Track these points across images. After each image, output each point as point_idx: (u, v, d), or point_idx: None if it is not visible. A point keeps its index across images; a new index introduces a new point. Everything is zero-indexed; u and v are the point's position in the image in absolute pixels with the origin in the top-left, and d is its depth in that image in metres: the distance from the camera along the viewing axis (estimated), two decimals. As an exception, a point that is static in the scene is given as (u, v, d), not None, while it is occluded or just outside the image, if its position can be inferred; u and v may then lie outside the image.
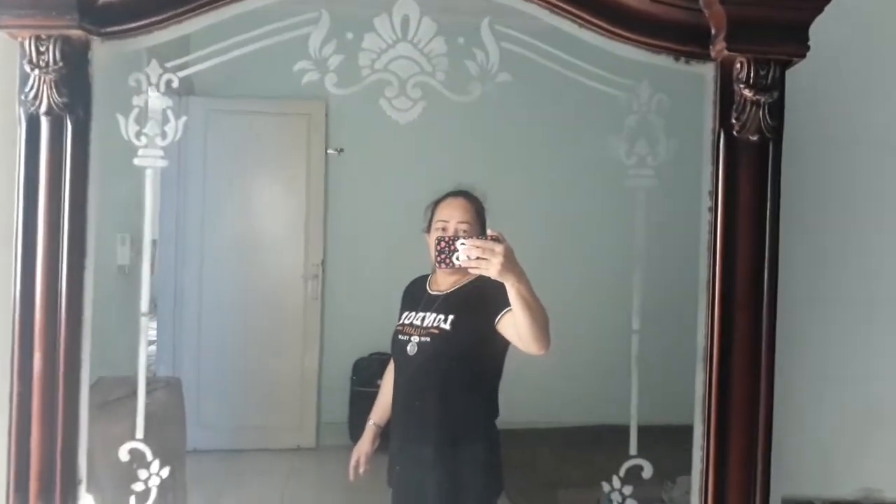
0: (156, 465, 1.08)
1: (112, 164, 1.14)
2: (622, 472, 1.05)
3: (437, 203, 1.87)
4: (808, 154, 1.14)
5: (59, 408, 1.09)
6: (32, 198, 1.09)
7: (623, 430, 1.16)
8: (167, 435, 1.68)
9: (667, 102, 1.12)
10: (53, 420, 1.09)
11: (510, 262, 1.43)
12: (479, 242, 1.39)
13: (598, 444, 1.25)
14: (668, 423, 1.17)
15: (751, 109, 1.08)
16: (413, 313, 1.85)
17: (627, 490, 1.05)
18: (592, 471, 1.19)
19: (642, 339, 1.10)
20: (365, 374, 3.32)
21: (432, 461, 1.82)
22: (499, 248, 1.40)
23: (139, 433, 1.10)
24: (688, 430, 1.11)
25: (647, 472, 1.03)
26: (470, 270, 1.42)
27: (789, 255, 1.09)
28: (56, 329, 1.08)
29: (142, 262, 1.16)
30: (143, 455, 1.08)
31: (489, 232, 1.43)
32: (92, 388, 1.76)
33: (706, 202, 1.08)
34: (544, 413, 3.19)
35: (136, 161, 1.15)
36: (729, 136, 1.09)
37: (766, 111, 1.08)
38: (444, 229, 1.78)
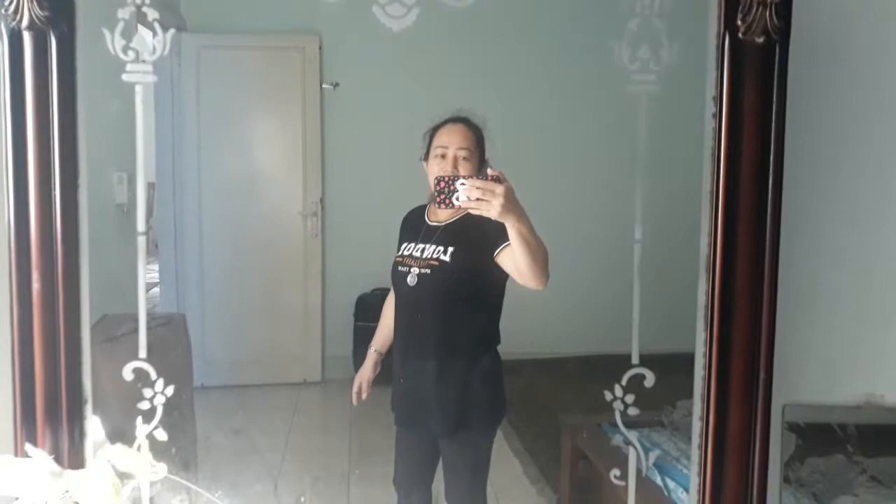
0: (160, 383, 1.09)
1: (100, 82, 1.11)
2: (624, 381, 1.05)
3: (435, 129, 1.83)
4: (817, 56, 1.10)
5: (61, 328, 1.09)
6: (20, 116, 1.06)
7: (624, 359, 1.16)
8: (171, 362, 1.69)
9: (669, 4, 1.08)
10: (55, 341, 1.09)
11: (511, 203, 1.41)
12: (479, 183, 1.37)
13: (599, 373, 1.25)
14: (670, 350, 1.17)
15: (757, 9, 1.04)
16: (412, 244, 1.84)
17: (629, 398, 1.05)
18: (593, 397, 1.20)
19: (644, 249, 1.09)
20: (367, 310, 3.34)
21: (434, 381, 1.84)
22: (499, 188, 1.38)
23: (142, 353, 1.10)
24: (688, 358, 1.11)
25: (650, 380, 1.03)
26: (470, 211, 1.41)
27: (795, 160, 1.07)
28: (53, 249, 1.07)
29: (136, 178, 1.14)
30: (147, 374, 1.09)
31: (489, 171, 1.41)
32: (96, 325, 1.77)
33: (710, 108, 1.06)
34: (545, 343, 3.22)
35: (124, 77, 1.12)
36: (734, 39, 1.05)
37: (773, 11, 1.04)
38: (443, 156, 1.76)
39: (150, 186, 4.19)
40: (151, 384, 1.07)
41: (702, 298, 1.08)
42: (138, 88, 1.13)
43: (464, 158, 1.76)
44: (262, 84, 3.52)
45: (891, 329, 1.10)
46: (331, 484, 2.34)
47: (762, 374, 1.05)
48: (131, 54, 1.11)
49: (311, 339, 3.46)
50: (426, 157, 1.83)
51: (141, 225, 1.10)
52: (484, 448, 1.92)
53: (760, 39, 1.05)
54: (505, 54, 2.71)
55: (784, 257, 1.07)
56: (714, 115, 1.06)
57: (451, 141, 1.77)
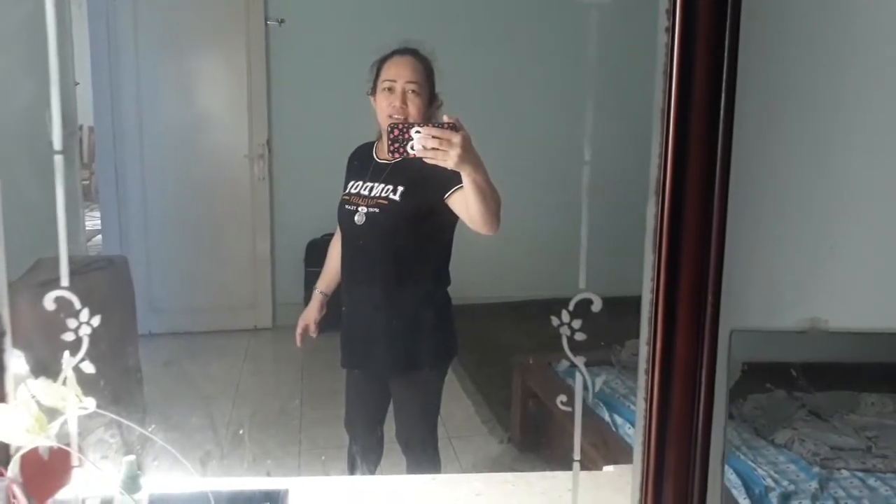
0: (85, 313, 1.03)
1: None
2: (571, 306, 1.02)
3: (382, 61, 1.75)
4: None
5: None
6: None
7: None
8: (105, 295, 1.62)
9: None
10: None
11: (467, 153, 1.36)
12: (435, 131, 1.32)
13: (552, 314, 1.22)
14: (619, 294, 1.15)
15: (712, -84, 0.99)
16: (360, 182, 1.78)
17: (577, 323, 1.03)
18: (545, 338, 1.17)
19: (593, 171, 1.06)
20: (318, 255, 3.28)
21: (382, 319, 1.81)
22: (456, 137, 1.33)
23: (64, 281, 1.04)
24: (637, 301, 1.09)
25: (597, 305, 1.01)
26: (425, 160, 1.35)
27: (749, 82, 1.04)
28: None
29: (49, 90, 1.05)
30: (70, 303, 1.02)
31: (445, 118, 1.35)
32: (31, 269, 1.68)
33: (663, 21, 1.02)
34: (498, 287, 3.22)
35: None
36: (688, -51, 1.01)
37: (729, -82, 1.00)
38: (390, 89, 1.69)
39: (89, 131, 4.02)
40: (75, 314, 1.01)
41: (651, 221, 1.05)
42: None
43: (413, 92, 1.69)
44: (203, 20, 3.35)
45: (836, 254, 1.10)
46: (283, 423, 2.32)
47: (710, 299, 1.04)
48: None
49: (260, 286, 3.39)
50: (373, 90, 1.75)
51: (56, 143, 1.02)
52: (434, 388, 1.91)
53: (715, -50, 1.00)
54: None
55: (733, 180, 1.05)
56: (667, 30, 1.02)
57: (400, 74, 1.70)
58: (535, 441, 2.45)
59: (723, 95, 1.03)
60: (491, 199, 1.50)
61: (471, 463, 2.37)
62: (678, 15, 1.00)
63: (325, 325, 2.40)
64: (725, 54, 1.01)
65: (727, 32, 1.01)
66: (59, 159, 1.02)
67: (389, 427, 1.97)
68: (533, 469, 1.84)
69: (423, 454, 1.91)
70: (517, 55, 2.64)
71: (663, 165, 1.03)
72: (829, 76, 1.10)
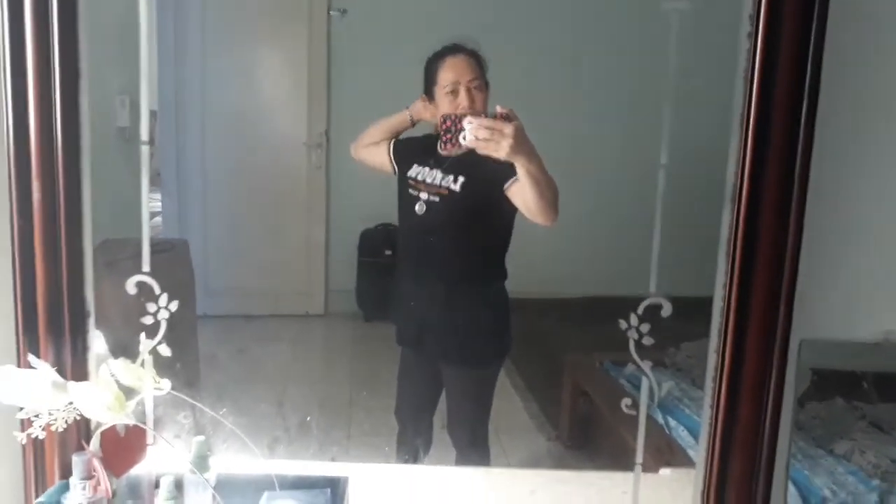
0: (164, 298, 1.06)
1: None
2: (640, 310, 1.02)
3: (436, 63, 1.75)
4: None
5: (62, 239, 1.05)
6: (18, 15, 1.01)
7: (629, 301, 1.13)
8: (176, 280, 1.67)
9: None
10: (57, 252, 1.06)
11: (520, 143, 1.36)
12: (487, 122, 1.31)
13: (605, 313, 1.23)
14: (681, 294, 1.14)
15: (802, -79, 0.97)
16: (426, 168, 1.79)
17: (645, 328, 1.02)
18: (596, 337, 1.17)
19: (668, 175, 1.05)
20: (371, 245, 3.32)
21: (440, 306, 1.82)
22: (508, 128, 1.33)
23: (146, 266, 1.07)
24: (695, 302, 1.08)
25: (667, 310, 1.00)
26: (477, 151, 1.35)
27: (831, 91, 1.02)
28: (53, 157, 1.03)
29: (140, 86, 1.09)
30: (150, 288, 1.06)
31: (498, 109, 1.35)
32: (97, 248, 1.75)
33: (745, 27, 1.00)
34: (552, 284, 3.20)
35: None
36: (775, -47, 0.99)
37: (819, -76, 0.97)
38: (453, 91, 1.69)
39: (153, 115, 4.10)
40: (155, 298, 1.04)
41: (725, 230, 1.04)
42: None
43: (476, 89, 1.69)
44: (268, 10, 3.41)
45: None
46: (333, 409, 2.35)
47: (782, 308, 1.02)
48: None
49: (314, 273, 3.44)
50: (429, 94, 1.76)
51: (144, 133, 1.05)
52: (488, 380, 1.92)
53: (802, -46, 0.98)
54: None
55: (811, 190, 1.03)
56: (749, 35, 1.00)
57: (460, 75, 1.70)
58: (583, 440, 2.44)
59: (804, 103, 1.01)
60: (547, 188, 1.49)
61: (518, 459, 2.38)
62: (762, 20, 0.99)
63: (378, 314, 2.43)
64: (809, 62, 1.00)
65: (812, 40, 1.00)
66: (145, 149, 1.06)
67: (440, 420, 1.98)
68: (579, 468, 1.83)
69: (473, 448, 1.92)
70: (595, 55, 2.61)
71: (741, 172, 1.02)
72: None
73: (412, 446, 2.00)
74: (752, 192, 1.01)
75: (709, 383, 1.02)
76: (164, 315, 1.06)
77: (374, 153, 1.92)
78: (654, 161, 1.04)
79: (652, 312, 1.05)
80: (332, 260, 3.46)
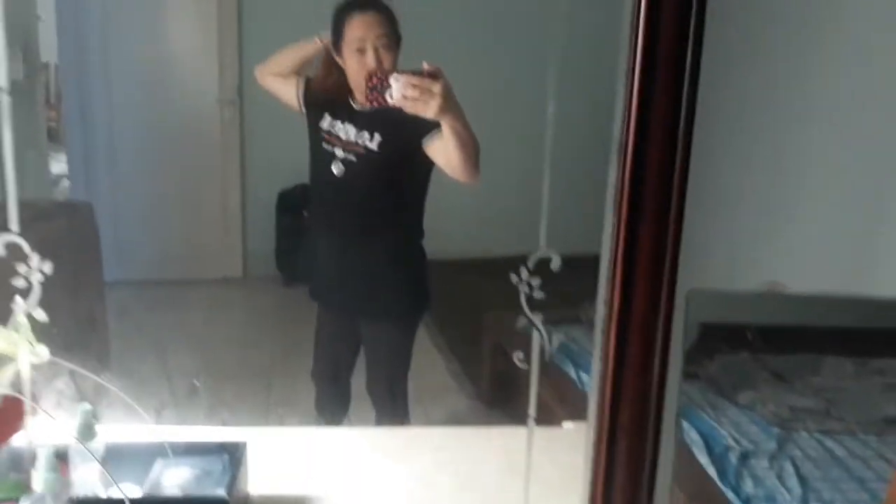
0: (36, 259, 1.00)
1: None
2: (530, 264, 1.02)
3: (343, 16, 1.66)
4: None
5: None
6: None
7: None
8: (70, 251, 1.59)
9: None
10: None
11: (448, 102, 1.33)
12: (415, 80, 1.28)
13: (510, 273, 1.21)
14: (594, 252, 1.14)
15: None
16: (339, 123, 1.73)
17: (535, 282, 1.02)
18: (515, 295, 1.17)
19: (557, 128, 1.04)
20: (290, 205, 3.23)
21: (355, 262, 1.79)
22: (437, 87, 1.29)
23: (13, 225, 1.01)
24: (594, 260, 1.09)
25: (556, 263, 1.00)
26: (405, 109, 1.32)
27: (715, 39, 1.02)
28: None
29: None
30: (19, 247, 1.00)
31: (425, 66, 1.30)
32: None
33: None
34: (473, 244, 3.21)
35: None
36: None
37: None
38: (360, 49, 1.62)
39: (55, 69, 3.88)
40: (25, 259, 0.98)
41: (612, 180, 1.04)
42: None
43: (384, 47, 1.63)
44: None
45: (793, 221, 1.10)
46: (253, 375, 2.31)
47: (668, 259, 1.03)
48: None
49: (231, 234, 3.35)
50: (337, 48, 1.68)
51: (1, 79, 0.98)
52: (406, 337, 1.89)
53: None
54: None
55: (696, 143, 1.03)
56: (635, -15, 0.99)
57: (368, 32, 1.61)
58: (504, 397, 2.48)
59: (689, 51, 1.01)
60: (471, 144, 1.47)
61: (440, 418, 2.40)
62: (649, -30, 0.97)
63: (295, 277, 2.35)
64: (693, 5, 0.99)
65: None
66: (4, 99, 0.98)
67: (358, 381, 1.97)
68: (501, 425, 1.85)
69: (392, 405, 1.91)
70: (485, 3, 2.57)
71: (626, 125, 1.01)
72: (795, 42, 1.09)
73: (329, 408, 1.98)
74: (637, 146, 1.01)
75: (598, 334, 1.03)
76: (37, 277, 1.00)
77: (282, 87, 1.83)
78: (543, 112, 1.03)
79: (544, 266, 1.04)
80: (249, 219, 3.38)
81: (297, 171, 2.53)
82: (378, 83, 1.29)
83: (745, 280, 1.12)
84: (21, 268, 0.99)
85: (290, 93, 1.80)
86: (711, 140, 1.03)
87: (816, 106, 1.06)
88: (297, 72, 1.81)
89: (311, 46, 1.78)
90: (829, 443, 1.62)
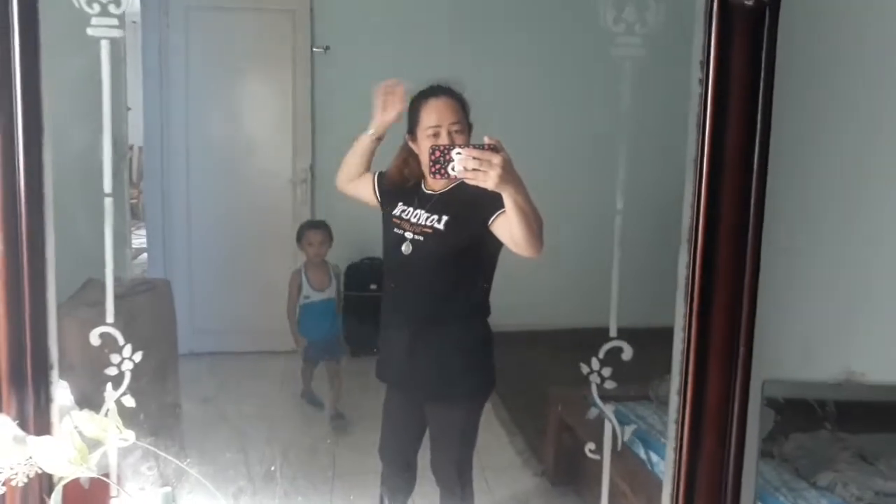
0: (128, 349, 1.06)
1: (63, 38, 1.07)
2: (601, 354, 1.03)
3: (419, 103, 1.78)
4: (808, 23, 1.06)
5: (26, 293, 1.06)
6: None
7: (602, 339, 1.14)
8: (147, 328, 1.66)
9: (657, -36, 1.04)
10: (20, 305, 1.06)
11: (508, 173, 1.37)
12: (475, 152, 1.33)
13: (589, 346, 1.23)
14: (656, 325, 1.14)
15: (747, -30, 1.00)
16: (410, 208, 1.81)
17: (606, 372, 1.03)
18: (580, 370, 1.17)
19: (627, 220, 1.06)
20: (357, 279, 3.32)
21: (422, 345, 1.82)
22: (496, 158, 1.34)
23: (109, 318, 1.08)
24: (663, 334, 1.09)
25: (627, 353, 1.01)
26: (466, 181, 1.37)
27: (782, 132, 1.04)
28: (17, 211, 1.04)
29: (101, 141, 1.11)
30: (114, 339, 1.06)
31: (486, 140, 1.36)
32: (82, 288, 1.74)
33: (696, 73, 1.02)
34: (535, 316, 3.20)
35: (89, 31, 1.08)
36: (723, 1, 1.01)
37: (764, -28, 1.00)
38: (435, 135, 1.72)
39: (139, 150, 4.13)
40: (119, 349, 1.04)
41: (682, 271, 1.05)
42: (104, 43, 1.09)
43: (457, 132, 1.72)
44: (251, 47, 3.44)
45: (869, 307, 1.08)
46: (311, 452, 2.33)
47: (741, 349, 1.03)
48: (96, 7, 1.07)
49: (299, 308, 3.44)
50: (413, 135, 1.78)
51: (107, 186, 1.06)
52: (472, 418, 1.91)
53: (750, 2, 1.00)
54: (489, 16, 2.63)
55: (766, 231, 1.04)
56: (700, 81, 1.02)
57: (442, 118, 1.72)
58: (570, 475, 2.41)
59: (756, 146, 1.02)
60: (533, 218, 1.50)
61: (504, 496, 2.35)
62: (711, 67, 1.01)
63: (360, 348, 2.40)
64: (759, 105, 1.01)
65: (761, 83, 1.02)
66: (108, 202, 1.07)
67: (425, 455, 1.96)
68: (566, 504, 1.80)
69: (457, 487, 1.91)
70: (552, 101, 2.66)
71: (696, 214, 1.03)
72: (859, 130, 1.09)
73: (394, 486, 1.98)
74: (708, 235, 1.02)
75: (671, 425, 1.02)
76: (127, 366, 1.07)
77: (359, 187, 1.94)
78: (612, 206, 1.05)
79: (614, 355, 1.05)
80: (317, 295, 3.46)
81: (364, 245, 2.59)
82: (440, 156, 1.34)
83: (821, 366, 1.09)
84: (114, 357, 1.05)
85: (367, 191, 1.90)
86: (782, 226, 1.03)
87: (891, 187, 1.05)
88: (367, 168, 1.90)
89: (366, 138, 1.88)
90: (918, 529, 1.53)
